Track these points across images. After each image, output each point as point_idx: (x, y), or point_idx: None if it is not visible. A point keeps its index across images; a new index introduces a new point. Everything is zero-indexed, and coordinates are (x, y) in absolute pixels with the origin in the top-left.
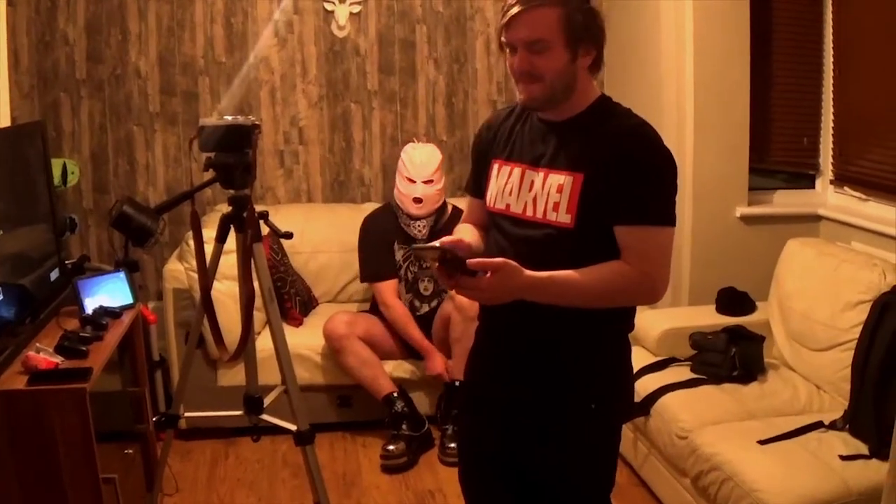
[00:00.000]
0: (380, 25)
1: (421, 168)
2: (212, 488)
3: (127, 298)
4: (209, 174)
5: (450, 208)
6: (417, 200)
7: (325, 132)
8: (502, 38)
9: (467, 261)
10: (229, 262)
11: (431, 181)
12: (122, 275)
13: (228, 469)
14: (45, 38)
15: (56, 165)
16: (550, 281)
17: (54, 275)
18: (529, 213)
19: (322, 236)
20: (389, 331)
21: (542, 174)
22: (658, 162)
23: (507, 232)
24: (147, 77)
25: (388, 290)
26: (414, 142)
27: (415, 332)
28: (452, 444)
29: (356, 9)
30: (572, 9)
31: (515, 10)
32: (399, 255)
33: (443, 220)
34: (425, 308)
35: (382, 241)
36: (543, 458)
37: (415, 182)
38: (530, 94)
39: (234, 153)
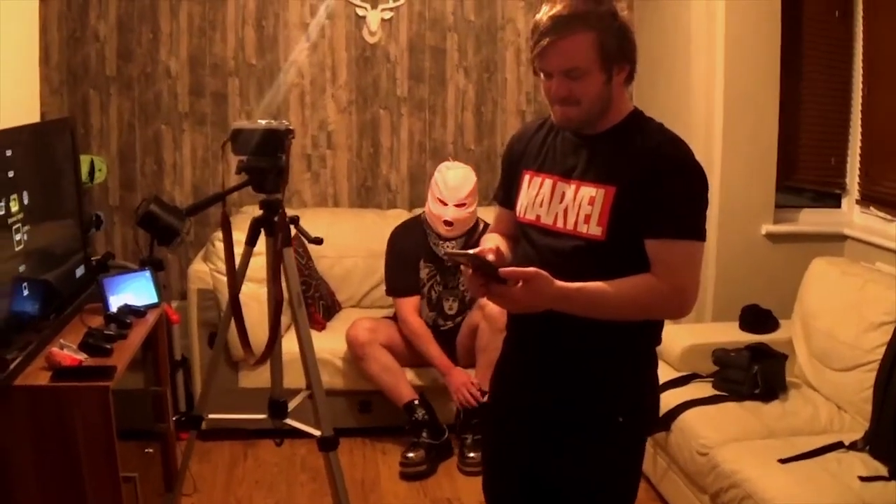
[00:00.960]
0: (411, 32)
1: (455, 191)
2: (230, 490)
3: (152, 297)
4: (240, 177)
5: (481, 225)
6: (448, 223)
7: (353, 137)
8: (535, 65)
9: (500, 269)
10: (255, 265)
11: (464, 205)
12: (147, 273)
13: (247, 471)
14: (76, 34)
15: (83, 162)
16: (580, 292)
17: (80, 271)
18: (560, 224)
19: (347, 241)
20: None
21: (573, 186)
22: (690, 177)
23: (536, 243)
24: (177, 77)
25: (409, 306)
26: (449, 160)
27: (433, 350)
28: (472, 454)
29: (388, 15)
30: (604, 31)
31: (547, 40)
32: (424, 273)
33: (473, 240)
34: (449, 325)
35: (408, 258)
36: (570, 469)
37: (447, 205)
38: (567, 116)
39: (267, 157)
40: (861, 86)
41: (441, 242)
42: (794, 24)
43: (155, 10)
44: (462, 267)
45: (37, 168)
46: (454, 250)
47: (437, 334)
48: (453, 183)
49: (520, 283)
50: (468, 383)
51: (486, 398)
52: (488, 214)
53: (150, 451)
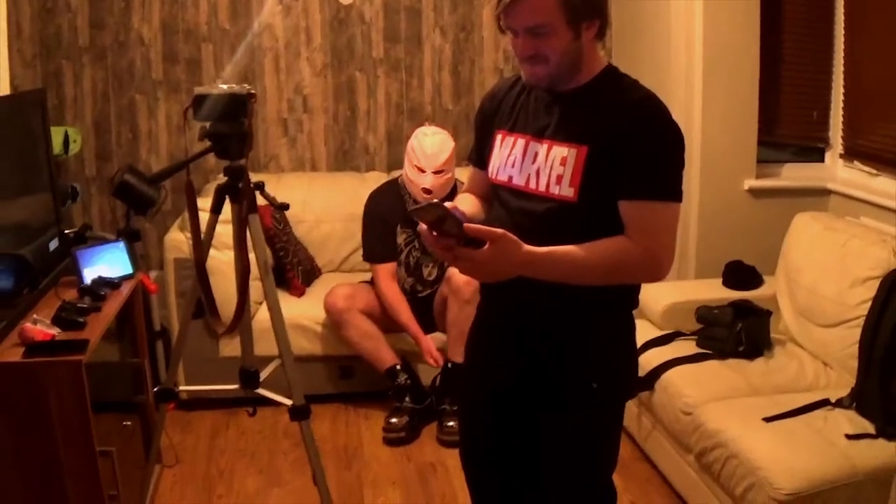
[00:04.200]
0: None
1: (432, 158)
2: (212, 460)
3: (126, 268)
4: (206, 143)
5: (459, 188)
6: (427, 191)
7: (329, 100)
8: (501, 22)
9: (464, 225)
10: (230, 231)
11: (442, 171)
12: (121, 244)
13: (229, 440)
14: (48, 6)
15: (58, 133)
16: (550, 257)
17: (54, 244)
18: (532, 185)
19: (325, 205)
20: None
21: (545, 146)
22: (665, 135)
23: (508, 204)
24: (150, 44)
25: (385, 272)
26: (426, 125)
27: (405, 317)
28: (451, 423)
29: None
30: None
31: None
32: (401, 238)
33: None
34: (427, 291)
35: (385, 223)
36: (545, 436)
37: (425, 172)
38: (535, 75)
39: (229, 122)
40: (843, 38)
41: None
42: None
43: None
44: (420, 227)
45: (8, 141)
46: (417, 206)
47: (416, 301)
48: (431, 150)
49: (486, 245)
50: (431, 351)
51: (449, 364)
52: (467, 176)
53: (129, 423)
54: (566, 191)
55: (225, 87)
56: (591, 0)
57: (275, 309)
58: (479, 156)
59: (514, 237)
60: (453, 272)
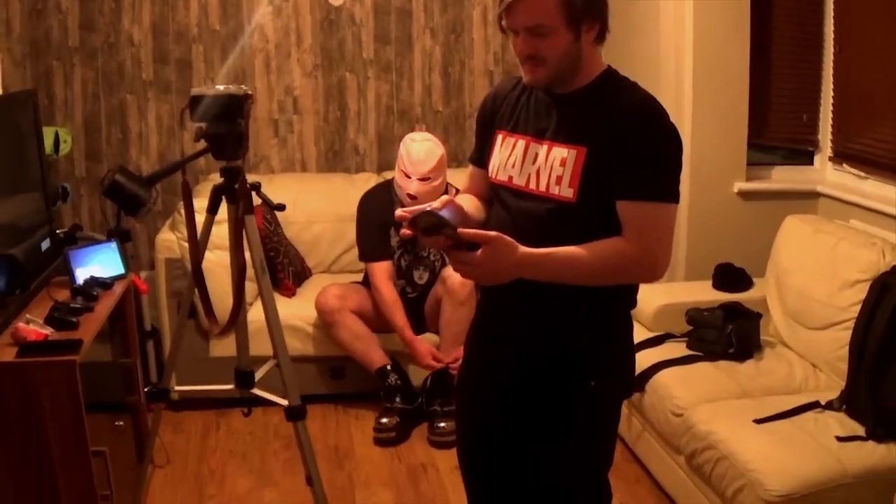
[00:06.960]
0: None
1: (418, 165)
2: (203, 460)
3: (119, 269)
4: (201, 144)
5: (452, 192)
6: (412, 196)
7: (319, 101)
8: (502, 22)
9: (458, 230)
10: (222, 233)
11: (428, 178)
12: (113, 245)
13: (220, 440)
14: (38, 6)
15: (48, 134)
16: (547, 258)
17: (45, 244)
18: (532, 185)
19: (316, 206)
20: None
21: (545, 147)
22: (662, 137)
23: (508, 205)
24: (140, 45)
25: (381, 271)
26: (416, 129)
27: (400, 320)
28: (442, 424)
29: None
30: None
31: None
32: (395, 240)
33: None
34: (417, 293)
35: (379, 224)
36: (540, 434)
37: (410, 178)
38: (535, 76)
39: (226, 123)
40: (832, 41)
41: None
42: None
43: None
44: (404, 226)
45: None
46: (404, 210)
47: (405, 302)
48: (416, 157)
49: (481, 249)
50: (432, 351)
51: (450, 364)
52: (459, 177)
53: (121, 423)
54: (566, 191)
55: (222, 87)
56: (592, 3)
57: (271, 309)
58: (479, 155)
59: (510, 239)
60: (449, 272)
